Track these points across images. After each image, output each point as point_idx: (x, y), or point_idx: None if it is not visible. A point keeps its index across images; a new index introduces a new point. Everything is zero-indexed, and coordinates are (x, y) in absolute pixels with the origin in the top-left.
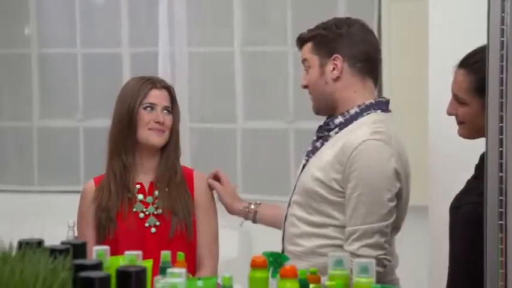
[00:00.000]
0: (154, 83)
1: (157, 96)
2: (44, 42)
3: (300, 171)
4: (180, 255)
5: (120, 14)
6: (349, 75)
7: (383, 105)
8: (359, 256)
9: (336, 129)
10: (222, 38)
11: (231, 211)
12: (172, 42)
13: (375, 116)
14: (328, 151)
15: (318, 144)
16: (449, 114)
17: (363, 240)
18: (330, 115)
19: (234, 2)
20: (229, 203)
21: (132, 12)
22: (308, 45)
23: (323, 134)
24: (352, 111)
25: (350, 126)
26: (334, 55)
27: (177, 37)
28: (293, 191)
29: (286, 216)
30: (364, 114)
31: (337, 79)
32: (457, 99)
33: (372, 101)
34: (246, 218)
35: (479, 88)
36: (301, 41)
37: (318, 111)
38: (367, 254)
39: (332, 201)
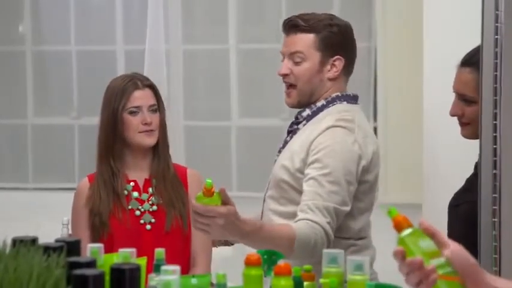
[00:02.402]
0: (136, 83)
1: (141, 97)
2: (39, 40)
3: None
4: (209, 182)
5: (114, 11)
6: (341, 76)
7: (350, 99)
8: (324, 229)
9: (304, 121)
10: (217, 36)
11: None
12: (167, 40)
13: (340, 106)
14: (296, 141)
15: (288, 138)
16: (454, 115)
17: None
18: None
19: None
20: None
21: (126, 9)
22: (308, 37)
23: (292, 128)
24: (319, 104)
25: (315, 118)
26: (337, 56)
27: (172, 34)
28: (267, 187)
29: (262, 213)
30: (330, 105)
31: (332, 79)
32: (464, 99)
33: (338, 93)
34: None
35: None
36: (296, 28)
37: (294, 105)
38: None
39: (297, 189)
